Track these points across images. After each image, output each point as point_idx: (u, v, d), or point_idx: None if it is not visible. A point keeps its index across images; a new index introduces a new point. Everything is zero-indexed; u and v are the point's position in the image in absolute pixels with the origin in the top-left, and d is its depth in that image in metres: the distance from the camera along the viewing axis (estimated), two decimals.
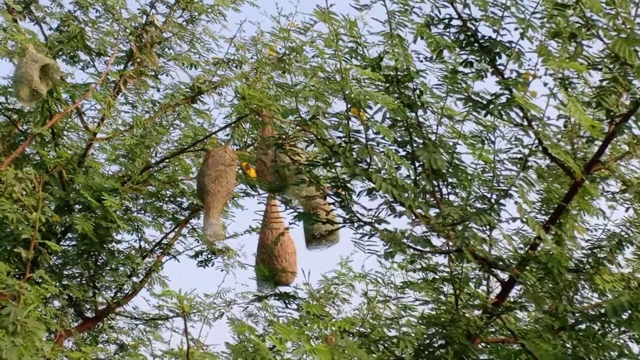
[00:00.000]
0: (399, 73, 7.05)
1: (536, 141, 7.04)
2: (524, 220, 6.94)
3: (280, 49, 9.54)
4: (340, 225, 7.59)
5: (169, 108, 10.11)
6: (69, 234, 10.01)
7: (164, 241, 10.91)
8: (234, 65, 10.08)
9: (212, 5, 9.91)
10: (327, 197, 7.44)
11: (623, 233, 7.67)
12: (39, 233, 7.70)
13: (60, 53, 10.04)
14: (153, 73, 9.82)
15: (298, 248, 8.80)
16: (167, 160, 10.21)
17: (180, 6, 9.99)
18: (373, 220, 7.26)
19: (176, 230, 10.90)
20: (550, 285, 7.50)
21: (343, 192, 7.24)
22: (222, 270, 11.10)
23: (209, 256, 11.10)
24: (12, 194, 7.45)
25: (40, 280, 7.67)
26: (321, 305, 8.57)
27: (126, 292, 10.78)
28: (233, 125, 9.58)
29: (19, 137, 9.64)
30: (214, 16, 9.99)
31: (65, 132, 9.93)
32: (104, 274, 10.52)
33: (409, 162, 7.15)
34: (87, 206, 9.35)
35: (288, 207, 7.78)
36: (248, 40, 10.10)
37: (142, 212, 10.68)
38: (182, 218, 10.91)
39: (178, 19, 10.10)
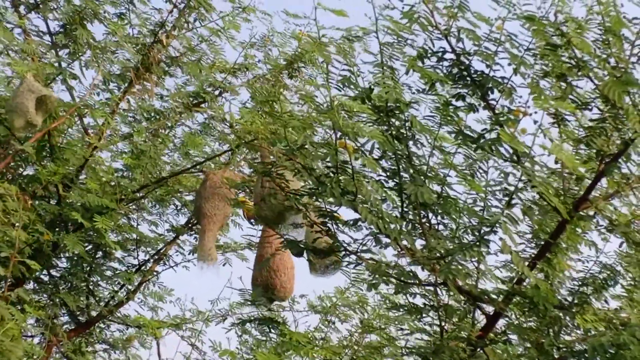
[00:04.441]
0: (389, 104, 7.05)
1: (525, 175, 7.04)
2: (510, 254, 6.94)
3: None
4: (331, 264, 7.62)
5: (172, 117, 10.10)
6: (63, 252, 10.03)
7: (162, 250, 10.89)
8: (241, 73, 10.09)
9: (222, 27, 9.92)
10: (314, 226, 7.44)
11: (614, 265, 7.66)
12: (29, 249, 7.75)
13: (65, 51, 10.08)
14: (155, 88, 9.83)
15: (296, 263, 8.84)
16: (164, 181, 10.19)
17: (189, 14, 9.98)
18: (358, 250, 7.27)
19: (174, 239, 10.89)
20: (535, 319, 7.51)
21: (330, 221, 7.25)
22: (223, 265, 11.06)
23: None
24: None
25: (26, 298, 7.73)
26: (305, 334, 8.57)
27: (121, 297, 10.76)
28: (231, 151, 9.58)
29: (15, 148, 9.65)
30: (224, 36, 10.00)
31: (65, 147, 9.90)
32: (99, 283, 10.53)
33: (397, 193, 7.15)
34: (80, 224, 9.35)
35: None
36: (258, 39, 10.11)
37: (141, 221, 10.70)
38: (180, 224, 10.90)
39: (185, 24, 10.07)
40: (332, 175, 6.99)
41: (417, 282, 7.31)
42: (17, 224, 7.59)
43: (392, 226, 6.96)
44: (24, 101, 8.76)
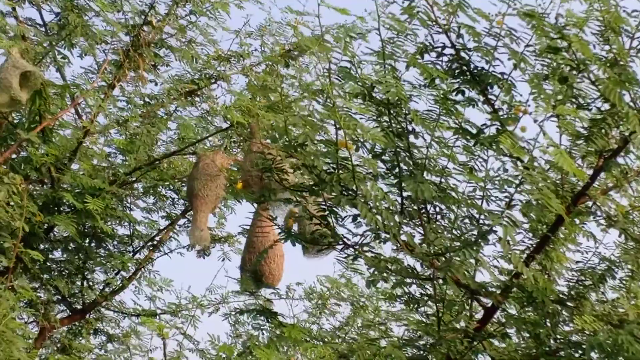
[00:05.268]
0: (390, 99, 7.01)
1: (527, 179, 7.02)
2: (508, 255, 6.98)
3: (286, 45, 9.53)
4: (325, 246, 7.58)
5: (165, 104, 10.04)
6: (55, 233, 9.98)
7: (156, 237, 10.85)
8: (235, 60, 10.02)
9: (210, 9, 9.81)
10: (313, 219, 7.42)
11: (613, 258, 7.68)
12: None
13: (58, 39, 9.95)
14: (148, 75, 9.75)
15: (287, 252, 8.85)
16: (157, 162, 10.13)
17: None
18: (358, 243, 7.26)
19: (169, 227, 10.86)
20: (533, 311, 7.54)
21: (329, 215, 7.23)
22: (222, 260, 11.04)
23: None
24: None
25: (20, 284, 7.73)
26: (303, 329, 8.58)
27: (116, 285, 10.73)
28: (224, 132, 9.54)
29: (10, 132, 9.56)
30: (214, 18, 9.89)
31: (57, 129, 9.82)
32: (93, 267, 10.50)
33: (397, 188, 7.13)
34: (73, 208, 9.31)
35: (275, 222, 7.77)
36: (255, 29, 10.04)
37: (134, 207, 10.65)
38: (176, 213, 10.86)
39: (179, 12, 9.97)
40: (332, 171, 6.96)
41: (416, 277, 7.32)
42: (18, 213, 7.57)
43: (392, 223, 6.95)
44: (7, 77, 8.67)
